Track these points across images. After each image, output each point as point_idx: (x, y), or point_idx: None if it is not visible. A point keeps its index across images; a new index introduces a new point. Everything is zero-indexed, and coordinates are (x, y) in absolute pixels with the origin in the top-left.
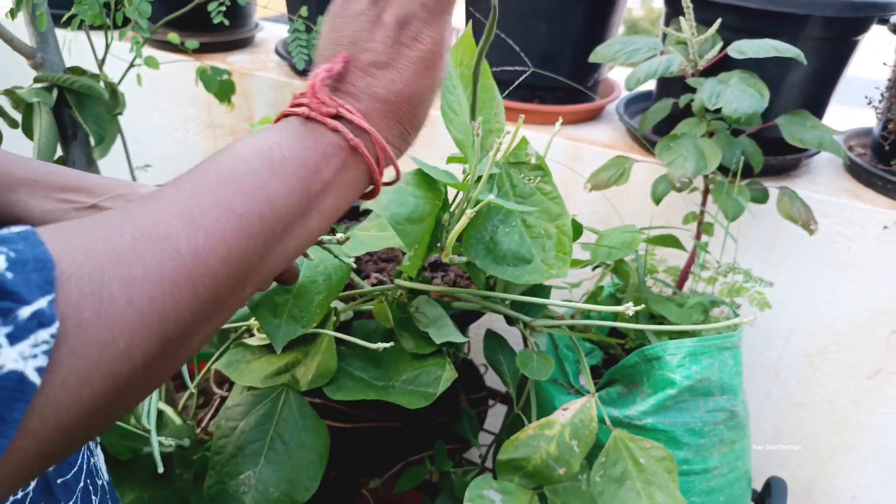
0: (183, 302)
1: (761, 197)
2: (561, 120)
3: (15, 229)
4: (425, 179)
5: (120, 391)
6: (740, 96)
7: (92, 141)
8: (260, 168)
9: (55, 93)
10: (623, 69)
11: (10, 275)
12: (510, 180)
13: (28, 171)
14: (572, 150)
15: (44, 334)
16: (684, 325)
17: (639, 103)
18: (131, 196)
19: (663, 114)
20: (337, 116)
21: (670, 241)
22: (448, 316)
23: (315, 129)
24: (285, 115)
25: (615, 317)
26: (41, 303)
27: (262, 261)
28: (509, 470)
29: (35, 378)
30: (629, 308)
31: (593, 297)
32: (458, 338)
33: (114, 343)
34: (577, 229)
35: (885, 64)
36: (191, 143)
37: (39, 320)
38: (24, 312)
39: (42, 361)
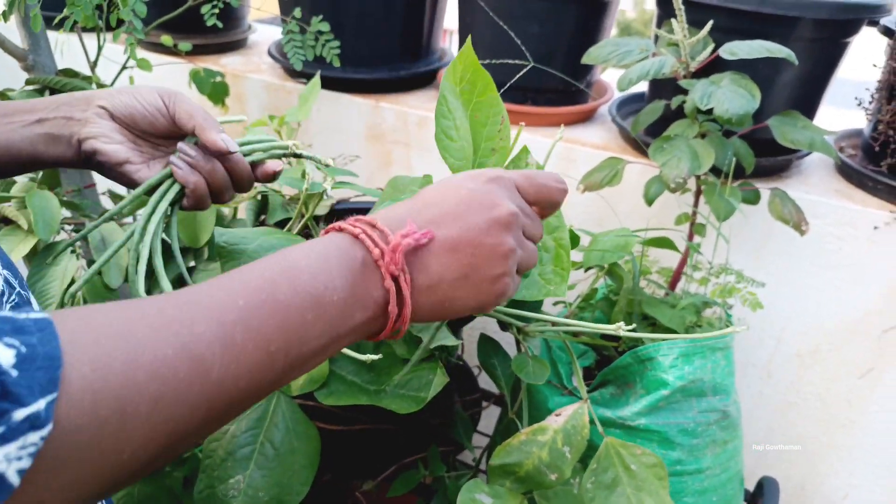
0: (194, 422)
1: (752, 198)
2: (563, 129)
3: (34, 315)
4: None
5: (111, 489)
6: (732, 97)
7: None
8: (308, 308)
9: (47, 95)
10: (615, 71)
11: (14, 373)
12: None
13: None
14: (565, 152)
15: (34, 437)
16: (678, 332)
17: (631, 105)
18: (73, 103)
19: (655, 115)
20: (394, 277)
21: (665, 243)
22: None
23: (372, 276)
24: (355, 235)
25: (608, 320)
26: (39, 405)
27: (271, 387)
28: (501, 475)
29: (14, 480)
30: (620, 327)
31: (587, 298)
32: (450, 340)
33: (118, 454)
34: (574, 239)
35: (874, 66)
36: None
37: (32, 423)
38: (20, 414)
39: (26, 463)
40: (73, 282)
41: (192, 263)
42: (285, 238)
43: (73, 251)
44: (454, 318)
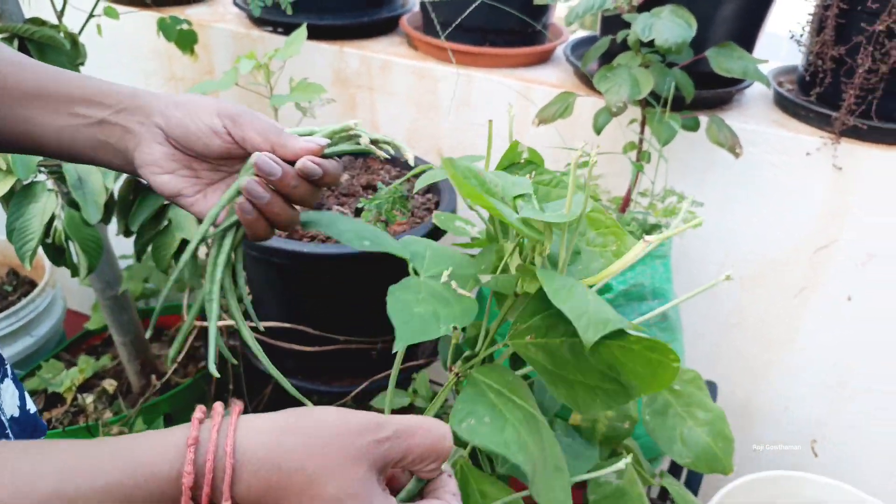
0: None
1: (692, 125)
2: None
3: None
4: None
5: None
6: (670, 27)
7: None
8: None
9: (16, 43)
10: None
11: None
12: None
13: (37, 85)
14: (524, 91)
15: None
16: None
17: (585, 46)
18: (132, 109)
19: (603, 50)
20: None
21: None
22: None
23: None
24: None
25: None
26: None
27: None
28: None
29: None
30: None
31: None
32: None
33: None
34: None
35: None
36: None
37: None
38: None
39: None
40: (53, 218)
41: None
42: None
43: (51, 189)
44: None
